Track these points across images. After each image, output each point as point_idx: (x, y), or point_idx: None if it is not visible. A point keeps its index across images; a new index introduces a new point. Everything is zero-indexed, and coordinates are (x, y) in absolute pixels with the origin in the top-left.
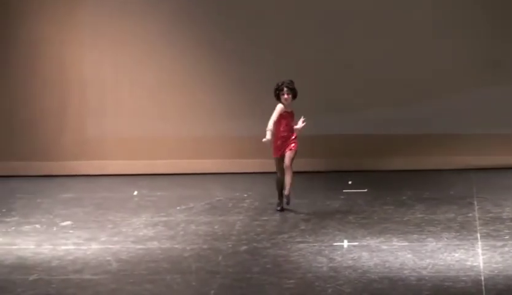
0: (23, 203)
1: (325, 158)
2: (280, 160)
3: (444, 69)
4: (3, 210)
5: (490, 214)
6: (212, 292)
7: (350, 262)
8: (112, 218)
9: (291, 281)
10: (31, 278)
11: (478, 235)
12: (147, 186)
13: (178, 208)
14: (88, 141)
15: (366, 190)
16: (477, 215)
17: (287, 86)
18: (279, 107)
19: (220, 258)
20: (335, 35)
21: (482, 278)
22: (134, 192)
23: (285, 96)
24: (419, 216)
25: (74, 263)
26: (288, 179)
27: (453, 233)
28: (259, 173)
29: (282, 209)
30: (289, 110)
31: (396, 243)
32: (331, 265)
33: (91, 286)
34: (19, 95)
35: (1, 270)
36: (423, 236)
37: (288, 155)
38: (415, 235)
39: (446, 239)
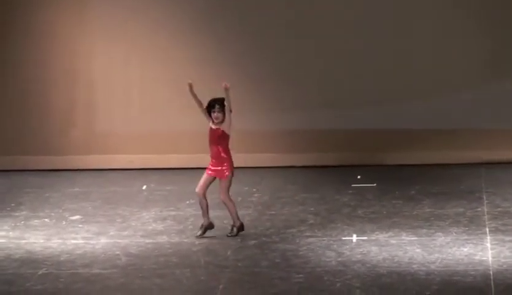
0: (32, 197)
1: (334, 152)
2: (208, 177)
3: (455, 64)
4: (12, 204)
5: (499, 209)
6: (221, 286)
7: (359, 256)
8: (121, 212)
9: (300, 275)
10: (40, 272)
11: (487, 230)
12: (156, 180)
13: (187, 202)
14: (97, 135)
15: (375, 185)
16: (486, 209)
17: (218, 104)
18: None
19: (229, 252)
20: (347, 31)
21: (491, 273)
22: (143, 186)
23: (216, 114)
24: (428, 210)
25: (83, 258)
26: (230, 210)
27: (462, 228)
28: (268, 167)
29: (202, 234)
30: (215, 127)
31: (405, 237)
32: (340, 259)
33: (100, 280)
34: (28, 90)
35: (10, 264)
36: (432, 231)
37: (222, 187)
38: (424, 230)
39: (454, 234)
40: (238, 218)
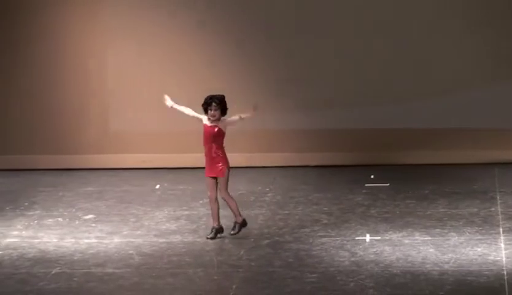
0: (45, 196)
1: (347, 152)
2: (211, 179)
3: (467, 63)
4: (26, 203)
5: None
6: (234, 286)
7: (372, 256)
8: (135, 211)
9: (314, 275)
10: (53, 271)
11: (501, 230)
12: (169, 180)
13: (200, 201)
14: (110, 135)
15: (388, 185)
16: (499, 209)
17: (215, 102)
18: (203, 117)
19: (242, 252)
20: (362, 31)
21: (505, 273)
22: (156, 185)
23: (212, 112)
24: (442, 210)
25: (96, 257)
26: (232, 206)
27: (476, 228)
28: (282, 167)
29: (213, 238)
30: (211, 125)
31: (419, 237)
32: (353, 259)
33: (113, 279)
34: (42, 89)
35: (24, 263)
36: (446, 231)
37: (220, 184)
38: (437, 230)
39: (468, 234)
40: (240, 214)
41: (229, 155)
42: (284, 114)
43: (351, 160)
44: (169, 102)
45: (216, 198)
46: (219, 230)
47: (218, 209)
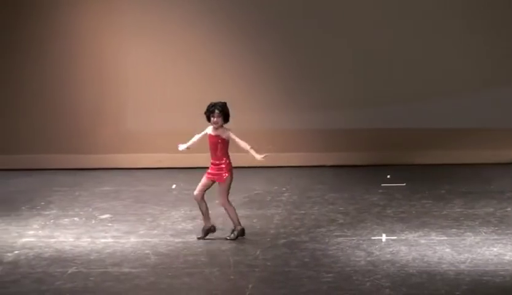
0: (62, 196)
1: (364, 152)
2: (207, 180)
3: (484, 63)
4: (42, 203)
5: None
6: (250, 285)
7: (388, 256)
8: (151, 211)
9: (330, 274)
10: (70, 270)
11: None
12: (185, 179)
13: (217, 201)
14: (126, 135)
15: (404, 184)
16: None
17: (218, 109)
18: (207, 129)
19: (258, 252)
20: (377, 30)
21: None
22: (172, 185)
23: (215, 118)
24: (458, 210)
25: (113, 257)
26: (231, 214)
27: (492, 228)
28: (298, 167)
29: (203, 237)
30: (215, 133)
31: (435, 237)
32: (369, 259)
33: (130, 279)
34: (58, 89)
35: (40, 263)
36: (462, 231)
37: (220, 192)
38: (453, 229)
39: (484, 234)
40: (239, 223)
41: (242, 155)
42: (300, 114)
43: (367, 160)
44: (182, 147)
45: (202, 198)
46: (210, 229)
47: (207, 208)
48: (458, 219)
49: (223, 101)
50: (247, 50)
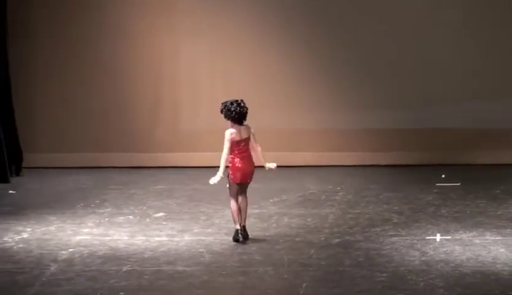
0: (116, 194)
1: (418, 151)
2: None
3: None
4: (97, 201)
5: None
6: (304, 284)
7: (442, 255)
8: (205, 210)
9: (384, 274)
10: (124, 268)
11: None
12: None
13: (271, 200)
14: (181, 133)
15: (459, 184)
16: None
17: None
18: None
19: (313, 251)
20: (424, 30)
21: None
22: (226, 184)
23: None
24: None
25: (167, 255)
26: (231, 211)
27: None
28: (353, 166)
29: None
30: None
31: (489, 237)
32: (423, 258)
33: (183, 277)
34: (115, 89)
35: (94, 261)
36: None
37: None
38: (508, 229)
39: None
40: (235, 222)
41: (298, 154)
42: (354, 114)
43: (422, 160)
44: (216, 178)
45: (236, 200)
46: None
47: (240, 210)
48: None
49: (239, 99)
50: (303, 51)
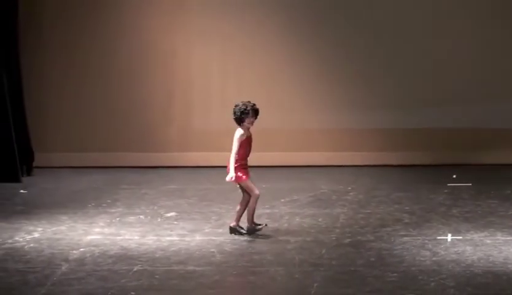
0: (128, 193)
1: (429, 151)
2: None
3: None
4: (109, 201)
5: None
6: (315, 284)
7: (453, 256)
8: (216, 210)
9: (395, 274)
10: (135, 268)
11: None
12: (251, 178)
13: (282, 200)
14: (193, 133)
15: (470, 184)
16: None
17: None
18: (239, 134)
19: (324, 251)
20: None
21: None
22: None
23: (252, 119)
24: None
25: (178, 255)
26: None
27: None
28: (363, 166)
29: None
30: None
31: (501, 237)
32: (434, 258)
33: (195, 277)
34: (127, 88)
35: (105, 261)
36: None
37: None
38: None
39: None
40: (235, 220)
41: (308, 154)
42: (365, 113)
43: (433, 160)
44: (229, 176)
45: (247, 200)
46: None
47: (245, 210)
48: None
49: (251, 102)
50: (317, 52)
